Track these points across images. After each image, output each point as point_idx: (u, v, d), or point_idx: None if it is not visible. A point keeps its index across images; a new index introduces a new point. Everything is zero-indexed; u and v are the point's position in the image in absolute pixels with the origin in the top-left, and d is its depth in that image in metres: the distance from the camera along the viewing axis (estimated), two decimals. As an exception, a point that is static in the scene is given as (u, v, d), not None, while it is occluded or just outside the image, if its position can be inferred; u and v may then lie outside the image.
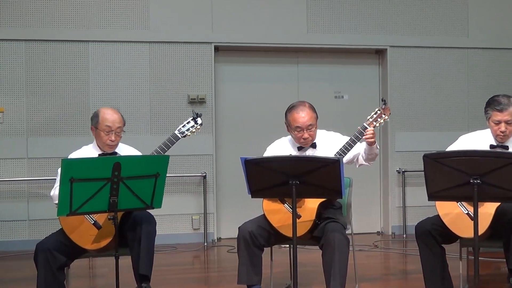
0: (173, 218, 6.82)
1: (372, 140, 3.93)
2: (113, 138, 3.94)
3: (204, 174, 6.83)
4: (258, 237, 3.87)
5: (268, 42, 7.06)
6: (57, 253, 3.67)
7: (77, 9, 6.65)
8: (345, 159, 3.98)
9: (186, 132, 4.06)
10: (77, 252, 3.77)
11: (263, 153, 4.20)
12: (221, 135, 7.09)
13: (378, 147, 4.09)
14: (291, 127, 4.10)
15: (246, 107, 7.15)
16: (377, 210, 7.47)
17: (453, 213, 3.74)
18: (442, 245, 3.86)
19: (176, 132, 4.03)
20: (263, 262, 3.93)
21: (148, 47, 6.81)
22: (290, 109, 4.12)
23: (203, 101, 6.87)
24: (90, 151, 4.04)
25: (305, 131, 4.05)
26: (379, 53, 7.47)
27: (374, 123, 3.99)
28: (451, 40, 7.41)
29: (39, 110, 6.58)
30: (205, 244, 6.76)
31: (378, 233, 7.41)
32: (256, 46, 7.09)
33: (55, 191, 3.81)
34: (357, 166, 4.21)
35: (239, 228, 3.94)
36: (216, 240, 6.91)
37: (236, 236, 3.94)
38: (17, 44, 6.55)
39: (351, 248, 3.90)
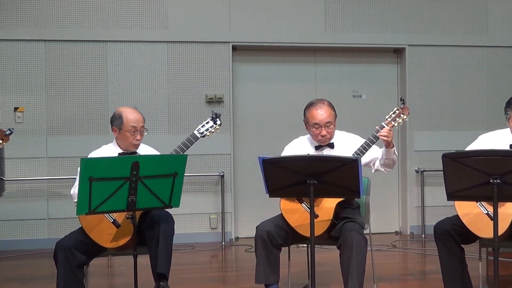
0: (191, 217, 6.84)
1: (388, 139, 3.89)
2: (138, 137, 3.99)
3: (222, 174, 6.84)
4: (276, 237, 3.87)
5: (285, 41, 7.05)
6: (77, 252, 3.69)
7: (96, 9, 6.70)
8: (362, 160, 3.95)
9: (205, 132, 4.07)
10: (96, 250, 3.80)
11: (281, 152, 4.20)
12: (239, 135, 7.10)
13: (396, 153, 4.05)
14: (309, 124, 4.09)
15: (264, 106, 7.16)
16: (396, 210, 7.44)
17: (473, 213, 3.71)
18: (461, 245, 3.83)
19: (195, 132, 4.05)
20: (280, 261, 3.93)
21: (166, 47, 6.84)
22: (309, 106, 4.12)
23: (221, 101, 6.88)
24: (110, 150, 4.07)
25: (323, 128, 4.04)
26: (398, 52, 7.43)
27: (393, 122, 3.96)
28: (471, 39, 7.35)
29: (59, 110, 6.64)
30: (223, 243, 6.77)
31: (396, 233, 7.37)
32: (274, 46, 7.09)
33: (74, 190, 3.84)
34: (373, 171, 4.18)
35: (256, 227, 3.94)
36: (233, 240, 6.92)
37: (254, 236, 3.94)
38: (37, 45, 6.61)
39: (369, 248, 3.88)
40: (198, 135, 4.05)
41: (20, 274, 5.52)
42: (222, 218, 6.86)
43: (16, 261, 6.08)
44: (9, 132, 3.66)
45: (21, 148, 6.44)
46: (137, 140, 3.99)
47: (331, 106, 4.10)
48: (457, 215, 3.76)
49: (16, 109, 6.57)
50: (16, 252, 6.34)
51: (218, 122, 4.14)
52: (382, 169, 4.09)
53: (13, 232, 6.56)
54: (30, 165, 6.57)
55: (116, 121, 4.00)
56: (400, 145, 7.32)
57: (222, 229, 6.85)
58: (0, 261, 6.07)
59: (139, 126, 3.98)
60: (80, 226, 3.76)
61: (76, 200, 3.50)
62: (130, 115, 3.99)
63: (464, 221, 3.72)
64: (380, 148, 4.03)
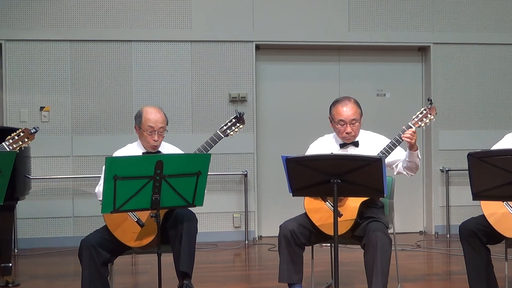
0: (215, 216, 6.86)
1: (411, 141, 3.85)
2: (156, 138, 3.97)
3: (245, 173, 6.85)
4: (299, 236, 3.86)
5: (309, 40, 7.04)
6: (101, 250, 3.72)
7: (120, 9, 6.75)
8: (386, 160, 3.92)
9: (228, 131, 4.06)
10: (120, 248, 3.82)
11: (305, 151, 4.19)
12: (262, 134, 7.10)
13: (420, 157, 4.01)
14: (334, 121, 4.07)
15: (287, 105, 7.15)
16: (420, 209, 7.38)
17: (499, 213, 3.66)
18: (487, 245, 3.79)
19: (219, 131, 4.04)
20: (304, 260, 3.92)
21: (190, 46, 6.87)
22: (335, 102, 4.10)
23: (244, 100, 6.89)
24: (134, 149, 4.09)
25: (348, 125, 4.02)
26: (422, 50, 7.37)
27: (420, 123, 3.92)
28: (496, 36, 7.26)
29: (84, 109, 6.71)
30: (246, 242, 6.78)
31: (420, 232, 7.31)
32: (297, 44, 7.08)
33: (99, 188, 3.87)
34: (395, 173, 4.14)
35: (280, 226, 3.93)
36: (257, 238, 6.93)
37: (277, 235, 3.93)
38: (63, 45, 6.69)
39: (393, 248, 3.86)
40: (222, 134, 4.04)
41: (46, 271, 5.59)
42: (245, 217, 6.87)
43: (42, 258, 6.16)
44: (34, 130, 3.70)
45: (47, 147, 6.51)
46: (154, 140, 3.97)
47: (357, 103, 4.08)
48: (483, 215, 3.71)
49: (42, 108, 6.65)
50: (42, 250, 6.42)
51: (242, 121, 4.13)
52: (404, 172, 4.05)
53: (39, 230, 6.64)
54: (55, 163, 6.64)
55: (137, 119, 4.03)
56: (425, 144, 7.26)
57: (245, 228, 6.86)
58: (26, 258, 6.15)
59: (157, 127, 3.96)
60: (105, 224, 3.79)
61: (100, 198, 3.53)
62: (149, 115, 3.98)
63: (490, 221, 3.68)
64: (406, 151, 3.99)
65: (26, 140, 3.68)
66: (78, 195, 6.69)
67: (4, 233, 4.82)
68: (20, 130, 3.71)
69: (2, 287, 4.83)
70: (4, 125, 6.51)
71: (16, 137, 3.66)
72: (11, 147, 3.61)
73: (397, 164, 4.06)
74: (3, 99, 6.61)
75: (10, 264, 4.86)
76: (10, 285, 4.85)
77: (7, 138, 3.65)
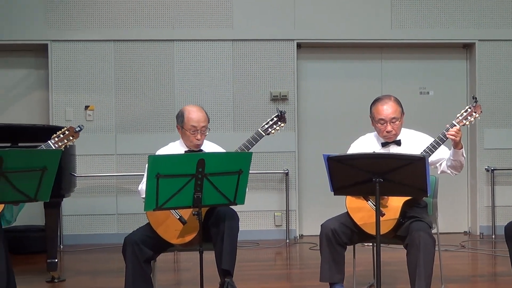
0: (256, 215, 6.87)
1: (456, 139, 3.78)
2: (198, 137, 3.99)
3: (287, 171, 6.84)
4: (341, 235, 3.84)
5: (351, 38, 6.99)
6: (144, 247, 3.76)
7: (162, 9, 6.83)
8: (429, 159, 3.86)
9: (270, 130, 4.05)
10: (163, 246, 3.86)
11: (346, 150, 4.16)
12: (304, 132, 7.08)
13: (465, 155, 3.94)
14: (374, 120, 4.03)
15: (329, 104, 7.11)
16: (465, 209, 7.25)
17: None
18: (534, 246, 3.71)
19: (260, 130, 4.04)
20: (345, 260, 3.90)
21: (231, 45, 6.90)
22: (375, 101, 4.06)
23: (286, 98, 6.89)
24: (176, 147, 4.12)
25: (388, 124, 3.97)
26: (467, 48, 7.23)
27: (464, 121, 3.85)
28: (545, 33, 7.09)
29: (127, 108, 6.81)
30: (287, 241, 6.78)
31: (465, 233, 7.19)
32: (339, 43, 7.04)
33: (142, 186, 3.92)
34: (439, 172, 4.07)
35: (321, 225, 3.92)
36: (298, 237, 6.91)
37: (318, 234, 3.92)
38: (107, 45, 6.79)
39: (436, 248, 3.80)
40: (263, 133, 4.04)
41: (90, 268, 5.69)
42: (286, 215, 6.87)
43: (86, 254, 6.27)
44: (78, 129, 3.76)
45: (92, 145, 6.62)
46: (197, 139, 3.99)
47: (397, 102, 4.03)
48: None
49: (86, 107, 6.77)
50: (86, 246, 6.53)
51: (283, 120, 4.12)
52: (448, 171, 3.98)
53: (84, 226, 6.76)
54: (100, 161, 6.75)
55: (179, 119, 4.05)
56: (470, 143, 7.13)
57: (286, 227, 6.86)
58: (71, 255, 6.27)
59: (199, 126, 3.98)
60: (148, 221, 3.84)
61: (143, 196, 3.58)
62: (191, 114, 4.00)
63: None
64: (450, 149, 3.93)
65: (71, 138, 3.75)
66: (121, 193, 6.79)
67: (50, 230, 4.92)
68: (65, 128, 3.77)
69: (48, 283, 4.93)
70: (50, 124, 6.65)
71: (62, 136, 3.72)
72: (56, 145, 3.68)
73: (441, 163, 4.00)
74: (49, 98, 6.75)
75: (56, 260, 4.95)
76: (56, 280, 4.95)
77: (52, 137, 3.71)
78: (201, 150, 4.05)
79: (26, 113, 6.80)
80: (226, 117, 6.86)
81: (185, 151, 4.04)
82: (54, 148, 3.65)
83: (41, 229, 5.99)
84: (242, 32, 6.88)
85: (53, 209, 4.89)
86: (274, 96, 6.87)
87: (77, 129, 3.76)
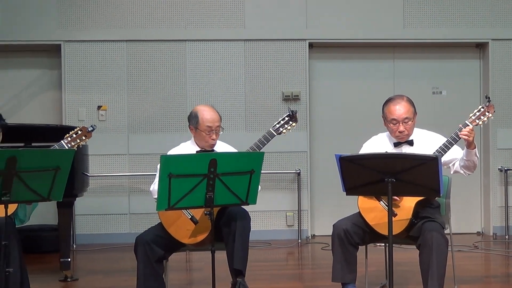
0: (268, 215, 6.87)
1: (469, 139, 3.76)
2: (214, 137, 4.01)
3: (299, 171, 6.84)
4: (353, 235, 3.83)
5: (363, 38, 6.97)
6: (155, 246, 3.77)
7: (174, 9, 6.84)
8: (442, 159, 3.84)
9: (281, 130, 4.05)
10: (175, 245, 3.87)
11: (358, 150, 4.15)
12: (316, 132, 7.07)
13: (478, 155, 3.92)
14: (387, 120, 4.02)
15: (341, 103, 7.10)
16: (478, 209, 7.21)
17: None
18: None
19: (271, 129, 4.04)
20: (357, 260, 3.89)
21: (243, 45, 6.90)
22: (387, 101, 4.05)
23: (297, 98, 6.88)
24: (188, 147, 4.12)
25: (400, 124, 3.96)
26: (480, 47, 7.19)
27: (477, 121, 3.83)
28: (559, 32, 7.03)
29: (140, 108, 6.83)
30: (299, 241, 6.77)
31: (478, 233, 7.15)
32: (351, 42, 7.02)
33: (154, 186, 3.93)
34: (452, 172, 4.06)
35: (333, 225, 3.91)
36: (310, 237, 6.90)
37: (330, 234, 3.91)
38: (119, 45, 6.82)
39: (449, 249, 3.78)
40: (274, 133, 4.04)
41: (102, 267, 5.71)
42: (298, 215, 6.86)
43: (99, 254, 6.30)
44: (91, 128, 3.78)
45: (104, 145, 6.65)
46: (212, 139, 4.00)
47: (410, 102, 4.02)
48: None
49: (99, 107, 6.80)
50: (99, 246, 6.56)
51: (295, 119, 4.11)
52: (462, 171, 3.97)
53: (97, 226, 6.79)
54: (112, 161, 6.78)
55: (193, 120, 4.05)
56: (483, 142, 7.09)
57: (298, 227, 6.85)
58: (83, 254, 6.30)
59: (214, 126, 3.99)
60: (160, 221, 3.85)
61: (155, 196, 3.59)
62: (206, 115, 4.01)
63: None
64: (463, 149, 3.90)
65: (83, 138, 3.76)
66: (133, 193, 6.81)
67: (63, 229, 4.95)
68: (78, 128, 3.79)
69: (61, 282, 4.96)
70: (63, 123, 6.69)
71: (74, 135, 3.74)
72: (69, 145, 3.69)
73: (454, 163, 3.98)
74: (62, 98, 6.79)
75: (69, 259, 4.97)
76: (69, 279, 4.98)
77: (65, 136, 3.73)
78: (213, 150, 4.06)
79: (40, 113, 6.84)
80: (238, 117, 6.86)
81: (197, 151, 4.05)
82: (67, 148, 3.67)
83: (54, 228, 6.02)
84: (254, 32, 6.88)
85: (66, 208, 4.92)
86: (286, 96, 6.87)
87: (89, 129, 3.78)
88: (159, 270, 3.81)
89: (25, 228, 5.85)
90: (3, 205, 3.06)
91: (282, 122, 4.06)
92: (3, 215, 3.09)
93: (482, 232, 7.16)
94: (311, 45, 7.00)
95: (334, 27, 6.92)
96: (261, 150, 3.89)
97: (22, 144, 5.11)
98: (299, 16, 6.92)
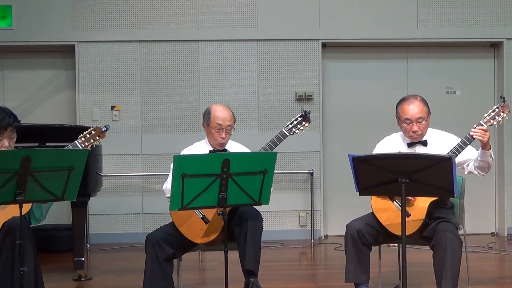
0: (280, 215, 6.87)
1: (483, 139, 3.73)
2: (223, 135, 4.01)
3: (312, 171, 6.83)
4: (366, 235, 3.82)
5: (376, 37, 6.95)
6: (165, 245, 3.77)
7: (187, 10, 6.86)
8: (456, 159, 3.81)
9: (294, 130, 4.04)
10: (186, 245, 3.87)
11: (372, 150, 4.14)
12: (329, 132, 7.06)
13: (493, 156, 3.89)
14: (400, 120, 4.01)
15: (354, 103, 7.08)
16: (492, 210, 7.16)
17: None
18: None
19: (284, 129, 4.03)
20: (371, 260, 3.88)
21: (256, 45, 6.90)
22: (401, 101, 4.04)
23: (310, 98, 6.87)
24: (201, 147, 4.13)
25: (414, 124, 3.94)
26: (495, 46, 7.15)
27: (492, 121, 3.80)
28: None
29: (153, 108, 6.85)
30: (312, 241, 6.76)
31: (492, 234, 7.10)
32: (364, 42, 7.00)
33: (166, 185, 3.94)
34: (466, 173, 4.03)
35: (346, 225, 3.90)
36: (323, 237, 6.89)
37: (343, 234, 3.90)
38: (132, 45, 6.85)
39: (463, 249, 3.76)
40: (287, 133, 4.03)
41: (115, 266, 5.74)
42: (311, 215, 6.85)
43: (112, 253, 6.33)
44: (105, 129, 3.79)
45: (118, 145, 6.68)
46: (222, 138, 4.00)
47: (423, 101, 4.00)
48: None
49: (113, 107, 6.83)
50: (112, 245, 6.59)
51: (308, 119, 4.10)
52: (476, 172, 3.94)
53: (110, 226, 6.82)
54: (126, 161, 6.81)
55: (206, 116, 4.07)
56: (497, 143, 7.04)
57: (311, 227, 6.84)
58: (97, 253, 6.33)
59: (225, 125, 3.99)
60: (171, 220, 3.85)
61: (168, 195, 3.60)
62: (218, 112, 4.02)
63: None
64: (477, 149, 3.88)
65: (97, 138, 3.77)
66: (147, 192, 6.84)
67: (77, 229, 4.97)
68: (91, 128, 3.80)
69: (75, 281, 4.99)
70: (77, 123, 6.73)
71: (88, 135, 3.76)
72: (83, 145, 3.71)
73: (468, 164, 3.95)
74: (76, 98, 6.83)
75: (83, 259, 5.00)
76: (83, 279, 5.01)
77: (79, 136, 3.74)
78: (226, 150, 4.06)
79: (54, 113, 6.89)
80: (251, 117, 6.87)
81: (210, 151, 4.05)
82: (80, 148, 3.69)
83: (68, 228, 6.06)
84: (267, 32, 6.89)
85: (80, 208, 4.94)
86: (299, 96, 6.86)
87: (103, 129, 3.79)
88: (167, 269, 3.79)
89: (40, 227, 5.87)
90: (17, 205, 3.08)
91: (295, 122, 4.06)
92: (18, 214, 3.11)
93: (497, 233, 7.11)
94: (324, 45, 6.99)
95: (347, 27, 6.91)
96: (273, 150, 3.89)
97: (36, 144, 5.14)
98: (312, 16, 6.91)
